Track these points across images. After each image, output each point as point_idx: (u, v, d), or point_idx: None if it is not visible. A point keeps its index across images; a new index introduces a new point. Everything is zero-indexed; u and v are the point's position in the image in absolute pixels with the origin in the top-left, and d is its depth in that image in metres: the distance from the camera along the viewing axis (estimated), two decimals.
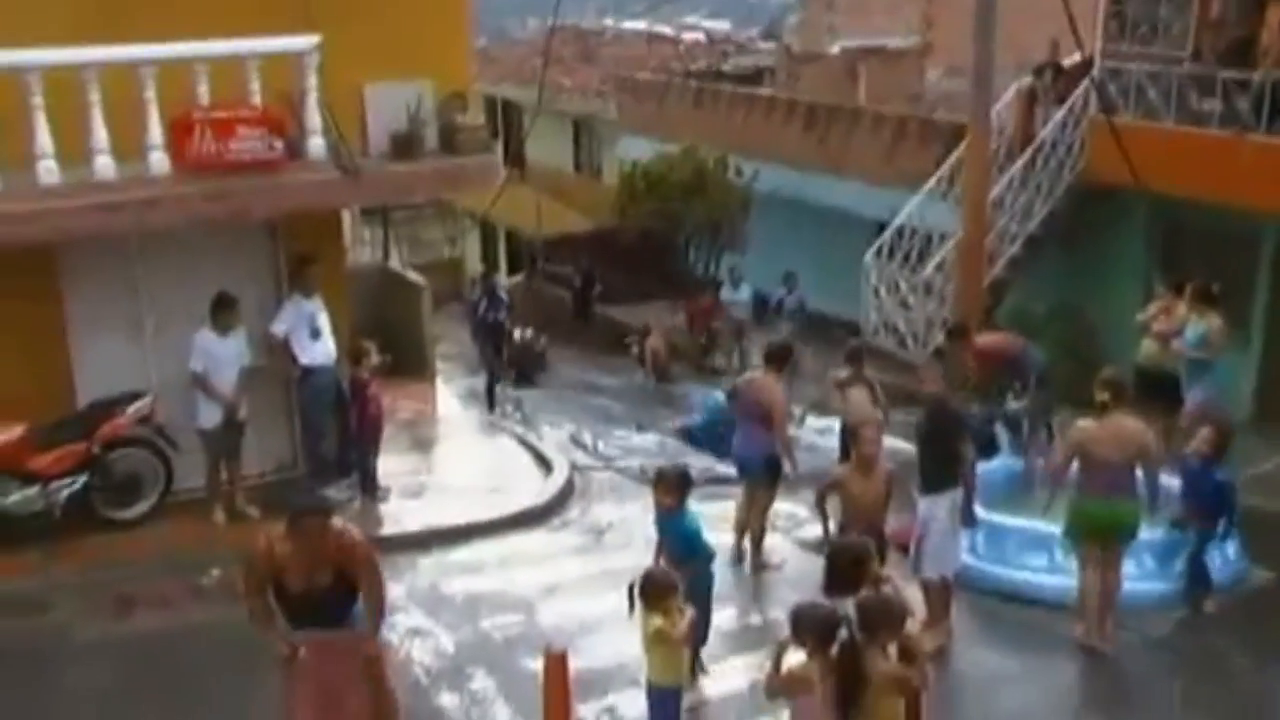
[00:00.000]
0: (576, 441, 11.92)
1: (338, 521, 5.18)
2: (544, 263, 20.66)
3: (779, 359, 8.15)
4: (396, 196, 11.49)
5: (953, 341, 10.22)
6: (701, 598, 6.01)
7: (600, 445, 11.85)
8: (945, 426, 6.90)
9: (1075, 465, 6.86)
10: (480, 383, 14.24)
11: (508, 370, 13.01)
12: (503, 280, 19.07)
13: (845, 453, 8.10)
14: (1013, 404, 9.68)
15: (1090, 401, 6.95)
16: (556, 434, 12.16)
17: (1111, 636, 6.90)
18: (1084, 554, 6.92)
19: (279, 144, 8.15)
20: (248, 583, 5.18)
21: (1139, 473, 6.78)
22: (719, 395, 11.13)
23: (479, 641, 7.17)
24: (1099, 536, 6.81)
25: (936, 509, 6.85)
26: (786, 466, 7.94)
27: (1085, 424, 6.83)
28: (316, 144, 8.42)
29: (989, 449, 9.05)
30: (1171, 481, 7.36)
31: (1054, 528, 7.46)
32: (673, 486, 6.13)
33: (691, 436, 11.99)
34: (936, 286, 13.48)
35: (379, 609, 5.26)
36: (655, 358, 16.00)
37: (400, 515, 9.03)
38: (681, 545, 6.10)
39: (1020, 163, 13.28)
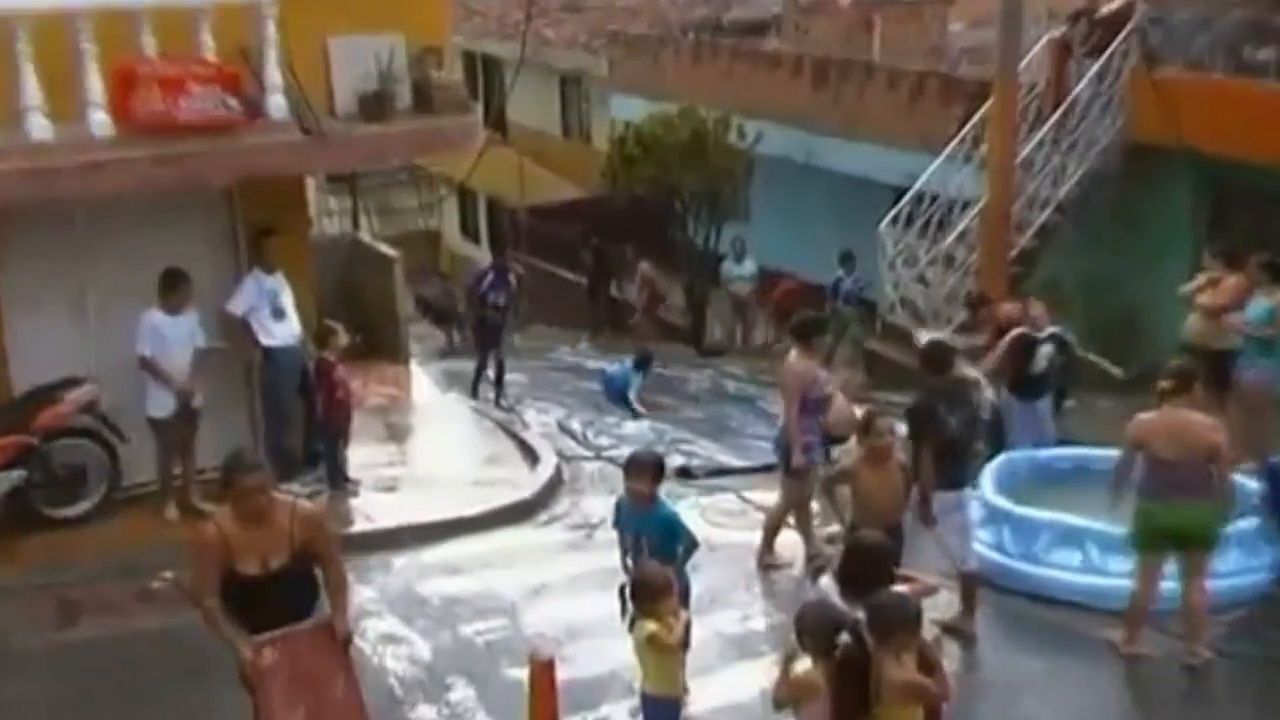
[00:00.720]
0: (565, 429, 11.94)
1: (287, 495, 5.20)
2: (527, 235, 20.58)
3: (801, 334, 8.07)
4: (366, 161, 11.48)
5: (974, 313, 10.18)
6: (685, 594, 6.03)
7: (590, 433, 11.86)
8: (965, 414, 7.01)
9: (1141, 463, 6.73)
10: (456, 366, 14.20)
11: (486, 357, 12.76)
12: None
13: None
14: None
15: (1127, 386, 6.94)
16: (543, 421, 12.16)
17: (1199, 651, 6.78)
18: (1144, 561, 6.83)
19: (235, 103, 8.10)
20: (198, 575, 5.18)
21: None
22: (627, 362, 13.45)
23: (459, 648, 7.18)
24: (1165, 543, 6.70)
25: (954, 506, 6.94)
26: (796, 456, 7.91)
27: (1144, 417, 6.73)
28: (277, 103, 8.36)
29: (1000, 438, 9.13)
30: (1249, 482, 7.39)
31: (1088, 522, 7.49)
32: (647, 473, 6.09)
33: (606, 385, 13.43)
34: (959, 258, 13.45)
35: (343, 586, 5.28)
36: (651, 286, 15.91)
37: (371, 511, 9.06)
38: (666, 536, 6.07)
39: (1052, 121, 13.21)
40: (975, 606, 7.15)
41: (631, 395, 13.31)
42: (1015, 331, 9.51)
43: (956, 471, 6.96)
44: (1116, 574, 7.25)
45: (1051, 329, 9.58)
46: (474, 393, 12.71)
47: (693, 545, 6.14)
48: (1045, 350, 9.46)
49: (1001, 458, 8.98)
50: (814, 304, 13.54)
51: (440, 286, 18.32)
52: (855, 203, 15.99)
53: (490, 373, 12.92)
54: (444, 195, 24.60)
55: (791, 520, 8.31)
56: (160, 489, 8.68)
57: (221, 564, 5.06)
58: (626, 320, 17.27)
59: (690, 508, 8.59)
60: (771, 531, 8.27)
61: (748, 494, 9.76)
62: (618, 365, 13.76)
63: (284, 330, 9.04)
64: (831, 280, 14.93)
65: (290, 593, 5.19)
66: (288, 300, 9.07)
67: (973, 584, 7.16)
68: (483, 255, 21.78)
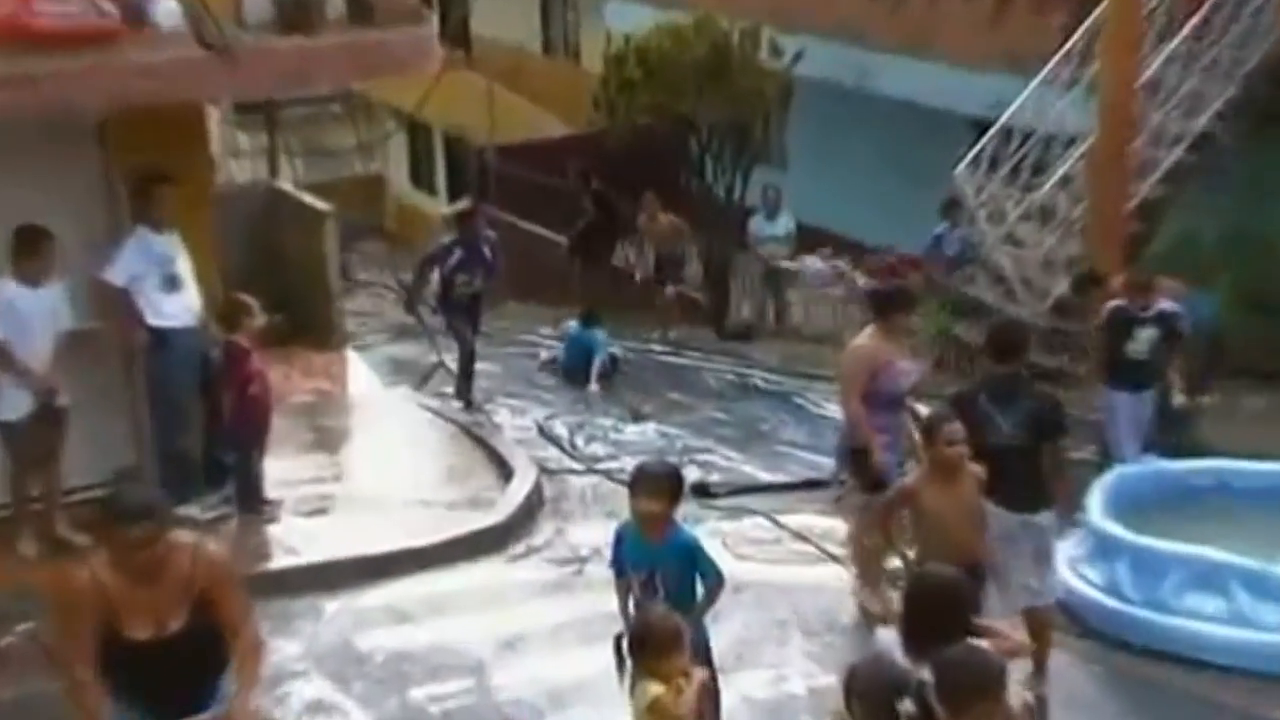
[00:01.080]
0: (547, 434, 12.02)
1: (187, 535, 5.11)
2: (497, 182, 20.57)
3: (882, 306, 8.11)
4: (285, 85, 11.44)
5: (1082, 295, 10.16)
6: (704, 650, 6.04)
7: (580, 439, 11.93)
8: (1050, 417, 7.08)
9: None
10: (407, 351, 14.02)
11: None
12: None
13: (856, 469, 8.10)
14: (1178, 396, 9.78)
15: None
16: (520, 423, 12.22)
17: None
18: None
19: (111, 7, 8.05)
20: (66, 634, 5.06)
21: None
22: (573, 323, 14.50)
23: (409, 719, 7.17)
24: None
25: (1031, 532, 7.03)
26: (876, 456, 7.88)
27: None
28: (168, 9, 8.33)
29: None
30: None
31: (1234, 557, 7.49)
32: (663, 490, 6.06)
33: (560, 369, 14.20)
34: (1059, 211, 13.45)
35: (254, 656, 5.18)
36: (674, 228, 16.31)
37: (295, 541, 9.09)
38: (686, 571, 6.07)
39: (1185, 32, 13.22)
40: (1047, 656, 7.12)
41: (595, 365, 13.90)
42: (1110, 304, 9.62)
43: (1011, 486, 6.96)
44: (1274, 627, 7.24)
45: (1163, 306, 9.63)
46: (465, 401, 12.34)
47: (718, 583, 6.16)
48: (1146, 334, 9.50)
49: (1115, 472, 8.97)
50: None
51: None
52: (923, 141, 15.98)
53: (451, 363, 12.87)
54: (390, 131, 24.64)
55: (843, 549, 8.24)
56: (13, 515, 8.63)
57: (99, 623, 4.95)
58: (650, 297, 16.98)
59: (709, 535, 8.59)
60: (867, 563, 8.21)
61: (783, 517, 9.80)
62: (574, 324, 14.55)
63: (178, 306, 9.00)
64: (929, 239, 14.70)
65: (191, 663, 5.10)
66: (184, 268, 9.02)
67: (1045, 626, 7.13)
68: (439, 207, 21.79)
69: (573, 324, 14.70)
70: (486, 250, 12.41)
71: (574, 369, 14.32)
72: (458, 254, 12.28)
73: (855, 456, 8.06)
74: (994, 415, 7.01)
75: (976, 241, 14.22)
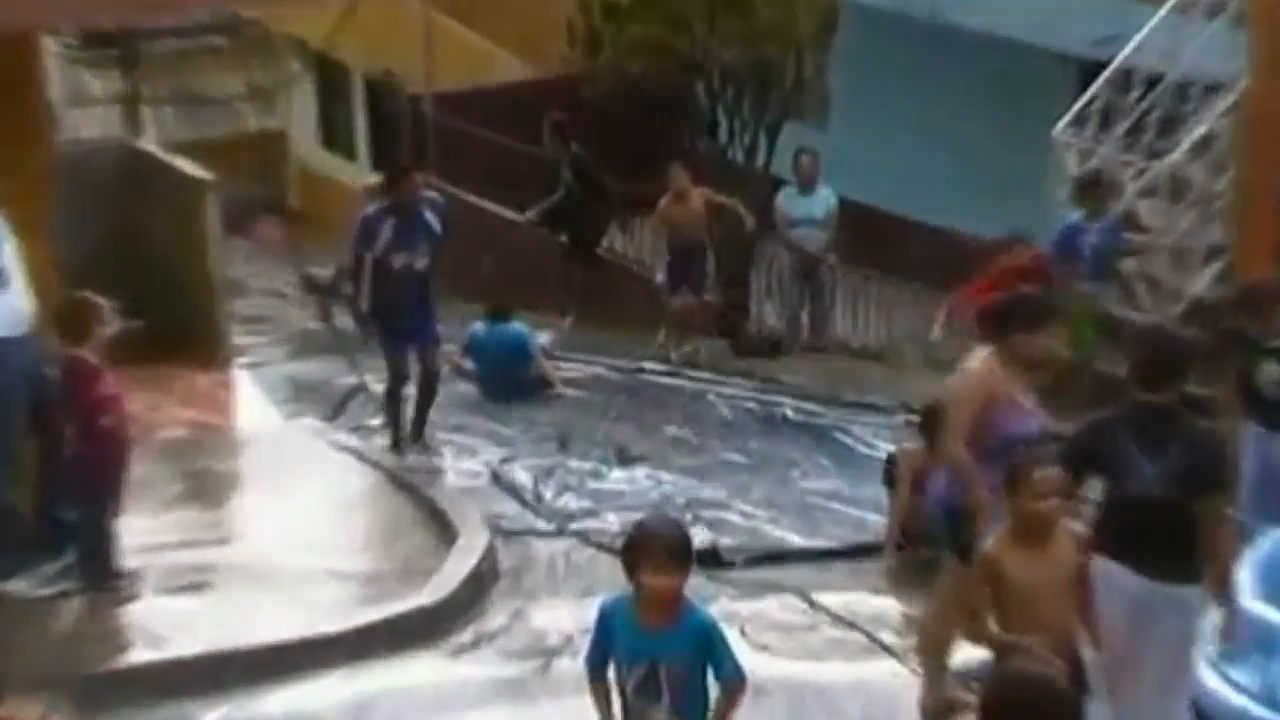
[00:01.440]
0: (504, 482, 12.08)
1: None
2: (438, 142, 20.57)
3: (997, 323, 7.99)
4: (150, 7, 11.32)
5: (1244, 312, 10.05)
6: None
7: (548, 489, 12.00)
8: (1209, 466, 7.11)
9: None
10: (316, 370, 14.11)
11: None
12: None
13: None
14: None
15: None
16: (468, 468, 12.26)
17: None
18: None
19: None
20: None
21: None
22: (478, 324, 14.69)
23: None
24: None
25: (1173, 609, 7.08)
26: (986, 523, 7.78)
27: None
28: None
29: None
30: None
31: None
32: (671, 556, 6.06)
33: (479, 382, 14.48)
34: (1195, 183, 13.49)
35: None
36: (712, 210, 16.08)
37: (163, 627, 9.03)
38: (699, 664, 6.08)
39: None
40: None
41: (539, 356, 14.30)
42: (1226, 326, 9.75)
43: (1152, 547, 7.03)
44: None
45: None
46: (394, 441, 12.39)
47: (739, 683, 6.17)
48: (1273, 370, 9.53)
49: (1272, 538, 8.94)
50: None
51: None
52: (1011, 88, 16.13)
53: (377, 385, 12.81)
54: (293, 75, 24.71)
55: (902, 637, 8.28)
56: None
57: None
58: (654, 303, 16.88)
59: (722, 620, 8.48)
60: (934, 654, 8.22)
61: (820, 595, 9.84)
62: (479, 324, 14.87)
63: (2, 309, 8.93)
64: (1059, 230, 13.95)
65: None
66: (8, 257, 8.98)
67: None
68: (360, 176, 21.45)
69: (478, 324, 14.82)
70: (430, 215, 12.22)
71: (495, 379, 14.48)
72: (390, 224, 12.05)
73: (955, 520, 7.97)
74: (1136, 458, 7.05)
75: (1125, 240, 13.76)
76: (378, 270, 12.03)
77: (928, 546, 9.16)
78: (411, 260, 12.03)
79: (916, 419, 10.84)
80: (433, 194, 12.71)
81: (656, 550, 6.05)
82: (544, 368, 14.66)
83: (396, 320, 12.10)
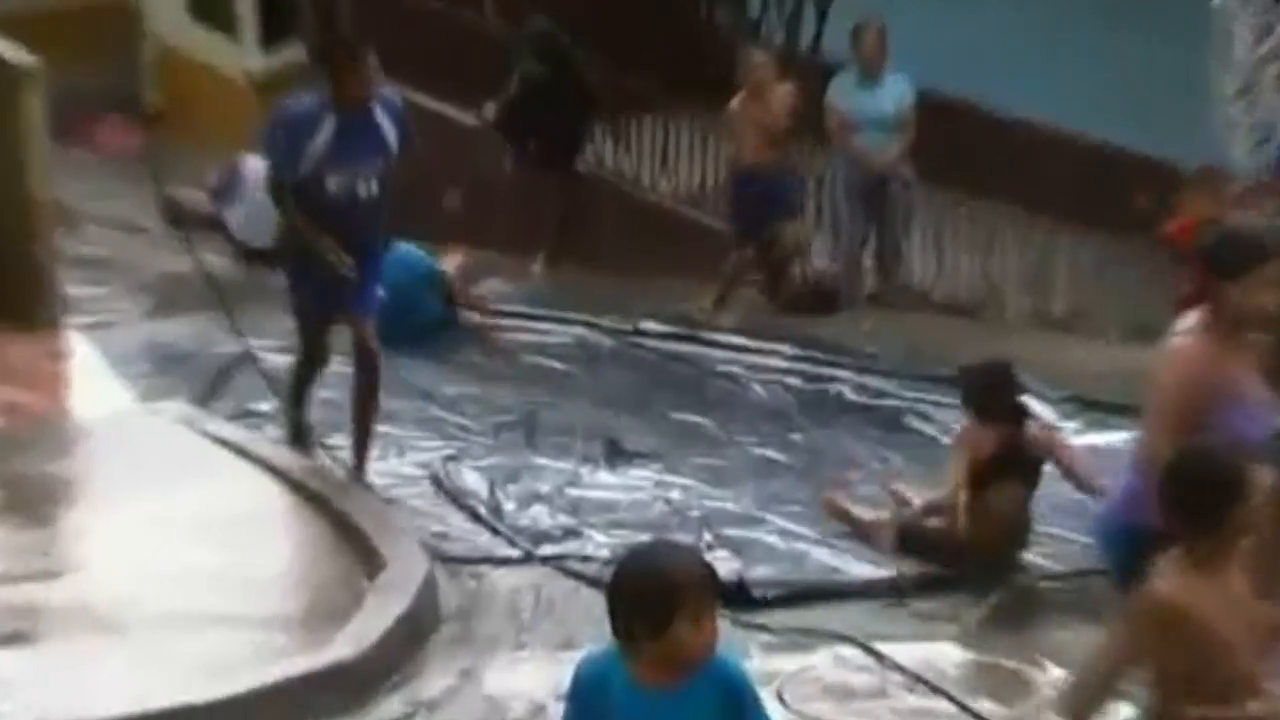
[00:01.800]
0: (448, 487, 12.28)
1: None
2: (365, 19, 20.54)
3: (1220, 277, 7.99)
4: None
5: None
6: None
7: (508, 497, 12.19)
8: None
9: None
10: (184, 332, 14.32)
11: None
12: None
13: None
14: None
15: None
16: (401, 471, 12.54)
17: None
18: None
19: None
20: None
21: None
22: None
23: None
24: None
25: None
26: None
27: None
28: None
29: None
30: None
31: None
32: (707, 593, 5.96)
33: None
34: None
35: None
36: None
37: None
38: None
39: None
40: None
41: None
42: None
43: None
44: None
45: None
46: (295, 431, 12.52)
47: None
48: None
49: None
50: None
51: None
52: None
53: (276, 358, 13.03)
54: None
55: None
56: None
57: None
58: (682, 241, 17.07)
59: (755, 679, 8.56)
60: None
61: (885, 646, 9.96)
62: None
63: None
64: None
65: None
66: None
67: None
68: (245, 59, 22.34)
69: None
70: (385, 119, 11.81)
71: (401, 315, 14.04)
72: (329, 126, 11.64)
73: (1146, 543, 7.87)
74: None
75: None
76: (302, 196, 11.68)
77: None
78: (354, 182, 11.64)
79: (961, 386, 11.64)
80: (391, 93, 12.08)
81: (652, 584, 5.93)
82: (473, 309, 15.13)
83: (322, 272, 11.69)
